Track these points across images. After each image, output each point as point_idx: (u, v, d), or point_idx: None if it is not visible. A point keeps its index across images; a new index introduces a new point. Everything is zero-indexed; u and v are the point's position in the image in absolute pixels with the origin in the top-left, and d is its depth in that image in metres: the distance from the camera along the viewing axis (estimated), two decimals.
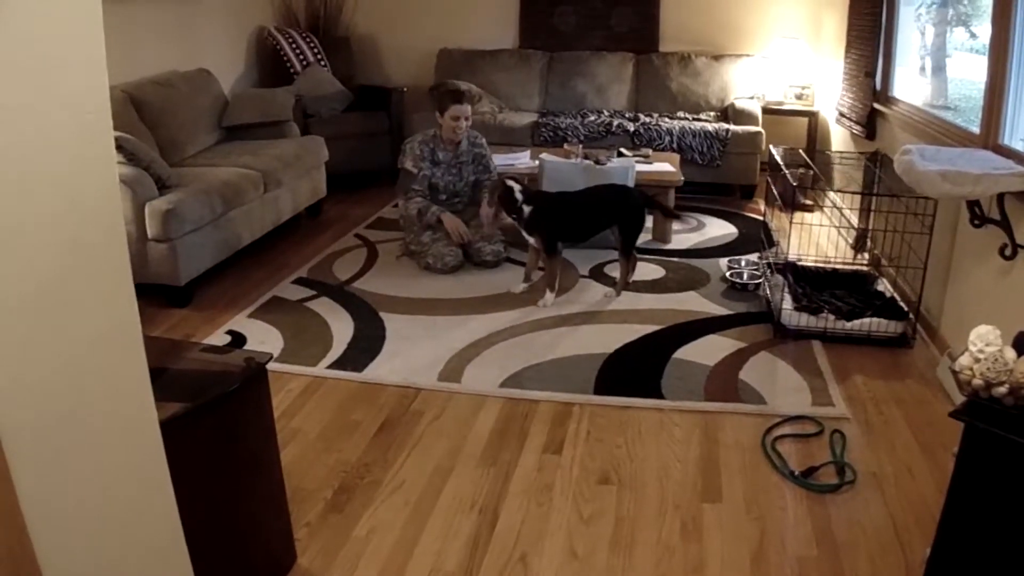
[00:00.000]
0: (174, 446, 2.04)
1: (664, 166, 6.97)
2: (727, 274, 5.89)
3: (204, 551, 2.20)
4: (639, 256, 6.20)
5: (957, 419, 2.23)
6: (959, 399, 2.87)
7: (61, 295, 1.63)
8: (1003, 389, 2.19)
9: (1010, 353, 2.25)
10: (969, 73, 5.97)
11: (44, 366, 1.61)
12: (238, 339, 4.92)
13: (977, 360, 2.22)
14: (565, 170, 6.44)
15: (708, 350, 4.84)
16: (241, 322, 5.15)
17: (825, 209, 7.60)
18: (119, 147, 4.85)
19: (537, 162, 6.64)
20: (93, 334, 1.73)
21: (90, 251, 1.71)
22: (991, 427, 2.16)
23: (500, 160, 6.79)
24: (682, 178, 6.75)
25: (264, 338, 4.90)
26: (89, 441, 1.74)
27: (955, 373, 2.29)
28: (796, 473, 3.63)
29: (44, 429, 1.61)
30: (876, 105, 6.57)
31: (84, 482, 1.74)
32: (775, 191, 6.03)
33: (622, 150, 7.35)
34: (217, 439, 2.60)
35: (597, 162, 6.51)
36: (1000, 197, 3.86)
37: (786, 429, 4.01)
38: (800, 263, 5.62)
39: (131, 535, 1.91)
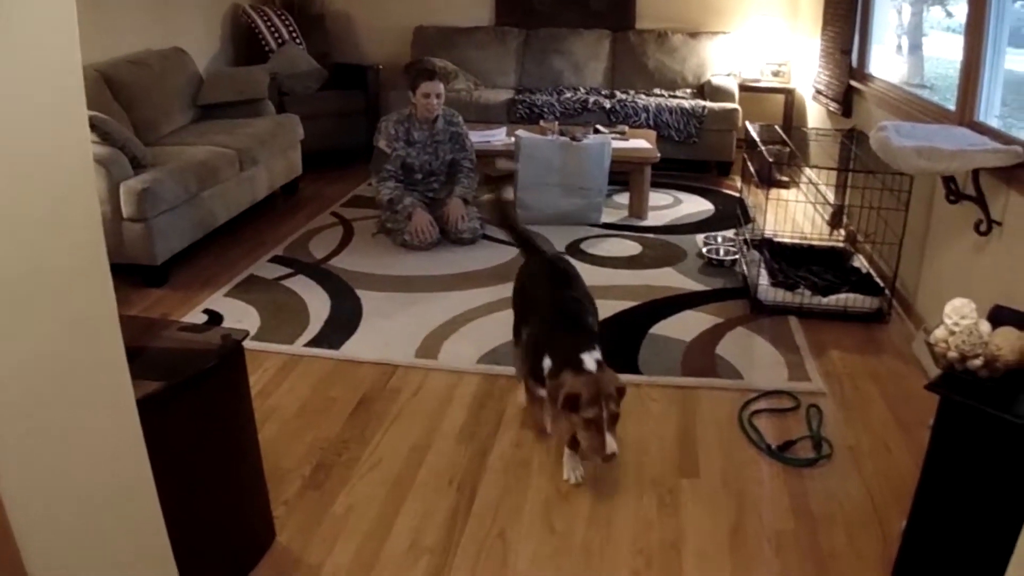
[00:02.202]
0: (151, 425, 2.03)
1: (640, 143, 6.97)
2: (703, 250, 5.91)
3: (183, 530, 2.20)
4: (615, 233, 6.22)
5: (933, 391, 2.24)
6: (935, 373, 2.89)
7: (36, 275, 1.62)
8: (978, 361, 2.20)
9: (985, 326, 2.26)
10: (945, 52, 5.98)
11: (19, 346, 1.60)
12: (215, 318, 4.90)
13: (952, 333, 2.23)
14: (542, 147, 6.44)
15: (685, 326, 4.85)
16: (218, 301, 5.13)
17: (801, 186, 7.61)
18: (93, 127, 4.81)
19: (513, 139, 6.63)
20: (69, 313, 1.72)
21: (65, 230, 1.70)
22: (966, 399, 2.17)
23: (476, 137, 6.77)
24: (658, 155, 6.75)
25: (241, 317, 4.88)
26: (66, 420, 1.73)
27: (930, 346, 2.30)
28: (773, 447, 3.65)
29: (20, 409, 1.60)
30: (852, 82, 6.58)
31: (62, 462, 1.73)
32: (752, 168, 6.04)
33: (598, 127, 7.35)
34: (194, 417, 2.58)
35: (573, 139, 6.51)
36: (975, 173, 3.87)
37: (763, 404, 4.03)
38: (776, 239, 5.63)
39: (110, 514, 1.91)
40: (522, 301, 3.92)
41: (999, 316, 2.36)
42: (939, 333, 2.26)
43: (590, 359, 3.26)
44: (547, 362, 3.34)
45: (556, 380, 3.25)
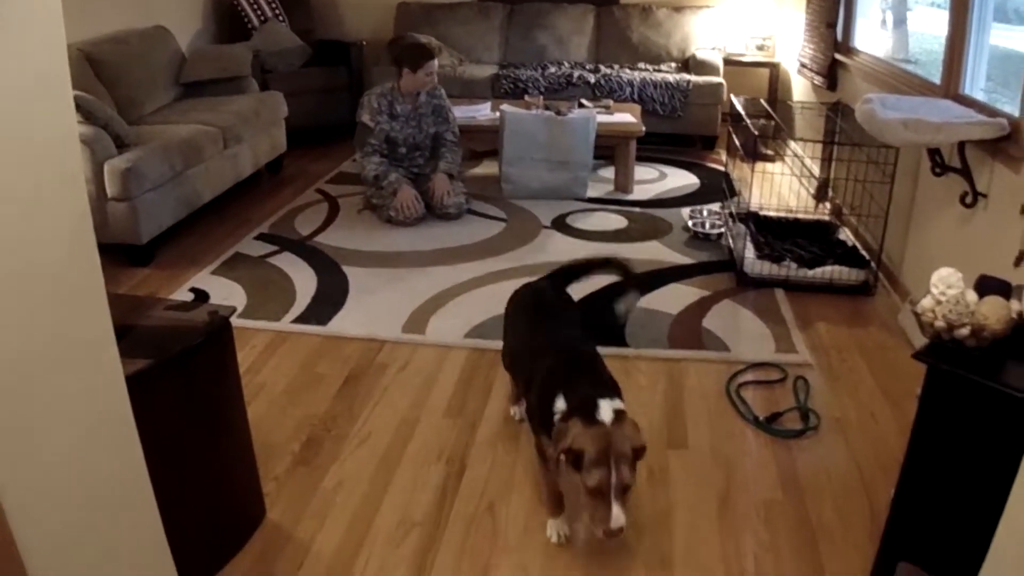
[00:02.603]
0: (140, 402, 2.03)
1: (625, 116, 6.97)
2: (689, 224, 5.91)
3: (173, 507, 2.20)
4: (601, 207, 6.23)
5: (920, 361, 2.25)
6: (921, 345, 2.89)
7: (23, 253, 1.62)
8: (965, 331, 2.21)
9: (971, 296, 2.27)
10: (930, 27, 5.97)
11: (7, 323, 1.59)
12: (201, 296, 4.89)
13: (939, 302, 2.24)
14: (527, 121, 6.44)
15: (671, 298, 4.87)
16: (204, 279, 5.12)
17: (787, 159, 7.62)
18: (76, 106, 4.78)
19: (498, 114, 6.62)
20: (57, 291, 1.72)
21: (51, 207, 1.69)
22: (953, 368, 2.18)
23: (461, 112, 6.76)
24: (643, 129, 6.75)
25: (227, 295, 4.87)
26: (55, 397, 1.73)
27: (917, 315, 2.30)
28: (760, 419, 3.67)
29: (8, 386, 1.60)
30: (837, 56, 6.59)
31: (52, 440, 1.73)
32: (737, 141, 6.04)
33: (583, 101, 7.34)
34: (183, 394, 2.58)
35: (558, 113, 6.51)
36: (961, 145, 3.88)
37: (750, 376, 4.05)
38: (762, 213, 5.64)
39: (101, 492, 1.90)
40: (524, 334, 3.40)
41: (985, 286, 2.37)
42: (926, 303, 2.27)
43: (607, 407, 2.68)
44: (560, 403, 2.77)
45: (561, 426, 2.70)
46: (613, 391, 2.83)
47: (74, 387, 1.79)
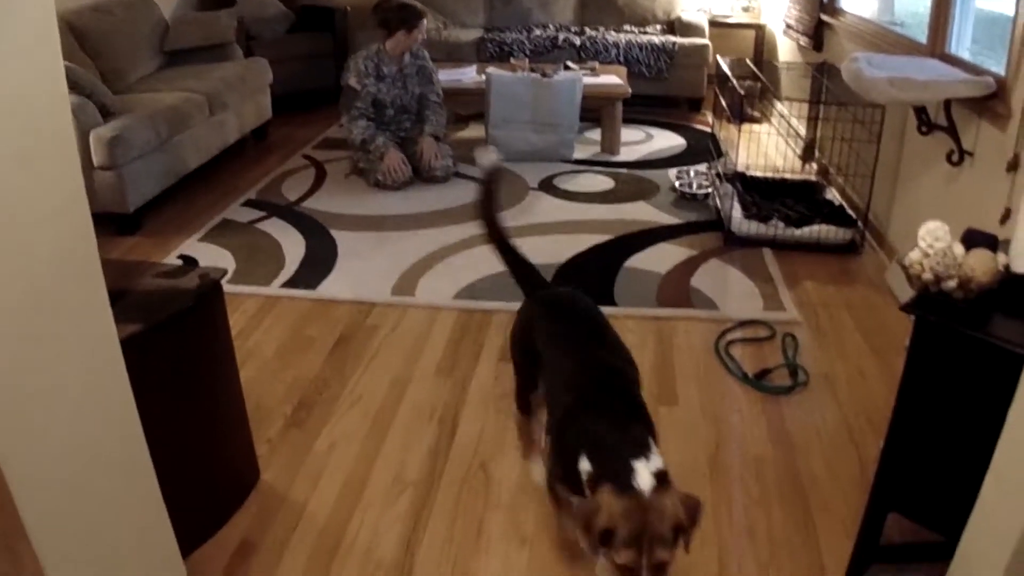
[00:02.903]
0: (133, 366, 2.03)
1: (611, 78, 6.96)
2: (676, 184, 5.92)
3: (169, 470, 2.20)
4: (588, 169, 6.25)
5: (907, 312, 2.27)
6: (908, 298, 2.89)
7: (16, 214, 1.62)
8: (952, 283, 2.22)
9: (959, 248, 2.29)
10: None
11: (2, 285, 1.59)
12: (190, 263, 4.88)
13: (926, 255, 2.25)
14: (512, 84, 6.43)
15: (659, 258, 4.89)
16: (192, 246, 5.11)
17: (773, 120, 7.63)
18: None
19: (483, 77, 6.61)
20: (51, 253, 1.72)
21: (43, 168, 1.69)
22: (940, 320, 2.20)
23: (446, 76, 6.75)
24: (629, 90, 6.74)
25: (216, 261, 4.86)
26: (51, 360, 1.73)
27: (905, 268, 2.32)
28: (750, 376, 3.70)
29: (4, 349, 1.60)
30: (823, 17, 6.58)
31: (49, 402, 1.73)
32: (724, 102, 6.04)
33: (568, 64, 7.32)
34: (176, 357, 2.59)
35: (544, 75, 6.49)
36: (947, 104, 3.89)
37: (738, 333, 4.08)
38: (749, 173, 5.65)
39: (98, 455, 1.91)
40: (531, 361, 2.90)
41: (971, 239, 2.38)
42: (914, 255, 2.28)
43: (644, 471, 2.20)
44: (585, 465, 2.32)
45: (589, 498, 2.22)
46: (648, 432, 2.39)
47: (69, 348, 1.79)
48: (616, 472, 2.21)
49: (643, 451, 2.26)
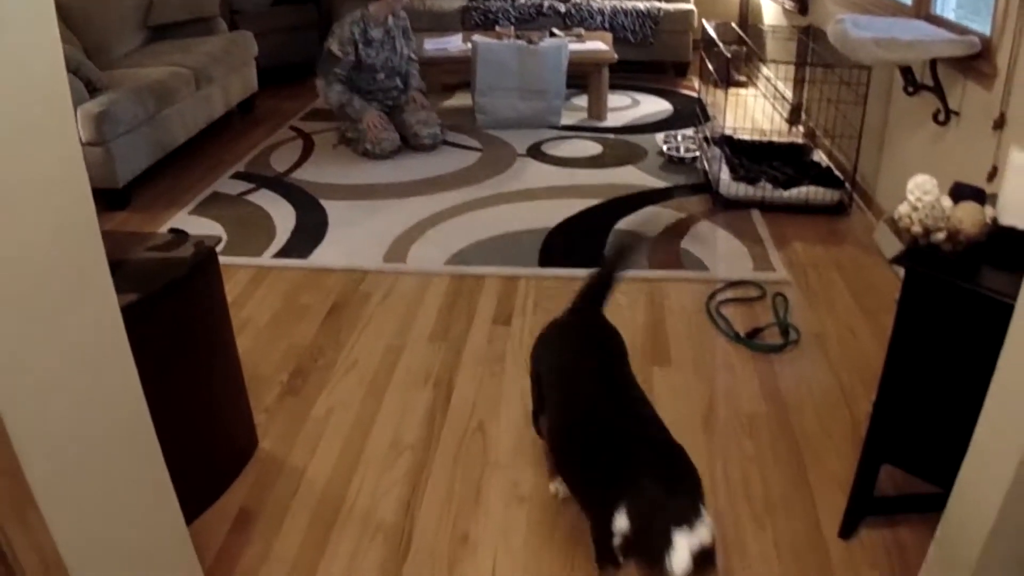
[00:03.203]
0: (131, 335, 2.04)
1: (597, 44, 6.96)
2: (664, 148, 5.95)
3: (168, 439, 2.21)
4: (575, 135, 6.26)
5: (897, 264, 2.30)
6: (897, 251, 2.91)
7: (14, 179, 1.62)
8: (941, 235, 2.25)
9: (947, 202, 2.31)
10: None
11: (7, 250, 1.60)
12: (180, 236, 4.88)
13: (915, 208, 2.28)
14: (498, 51, 6.43)
15: (649, 221, 4.91)
16: (182, 219, 5.11)
17: (759, 84, 7.63)
18: None
19: (469, 45, 6.61)
20: (51, 219, 1.72)
21: (40, 134, 1.70)
22: (930, 271, 2.23)
23: (431, 45, 6.77)
24: (615, 56, 6.74)
25: (207, 233, 4.86)
26: (53, 327, 1.74)
27: (894, 221, 2.34)
28: (742, 335, 3.73)
29: (5, 316, 1.61)
30: None
31: (51, 365, 1.74)
32: (710, 66, 6.05)
33: (554, 30, 7.32)
34: (173, 326, 2.60)
35: (530, 42, 6.49)
36: (933, 64, 3.91)
37: (729, 294, 4.11)
38: (736, 136, 5.67)
39: (101, 422, 1.92)
40: (558, 393, 2.58)
41: (959, 192, 2.41)
42: (902, 208, 2.31)
43: (684, 548, 1.89)
44: (622, 523, 2.04)
45: None
46: (694, 496, 2.08)
47: (70, 315, 1.80)
48: (652, 544, 1.94)
49: (689, 517, 1.94)
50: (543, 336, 2.82)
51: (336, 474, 2.99)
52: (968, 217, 2.25)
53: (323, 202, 5.29)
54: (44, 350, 1.71)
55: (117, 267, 1.97)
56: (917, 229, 2.27)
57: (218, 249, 2.85)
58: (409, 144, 6.13)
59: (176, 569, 2.32)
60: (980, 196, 2.39)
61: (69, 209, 1.79)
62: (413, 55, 6.36)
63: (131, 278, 2.52)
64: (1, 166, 1.58)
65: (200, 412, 2.80)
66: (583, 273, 3.93)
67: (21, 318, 1.64)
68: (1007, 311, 1.86)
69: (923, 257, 2.27)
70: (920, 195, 2.29)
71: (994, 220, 2.30)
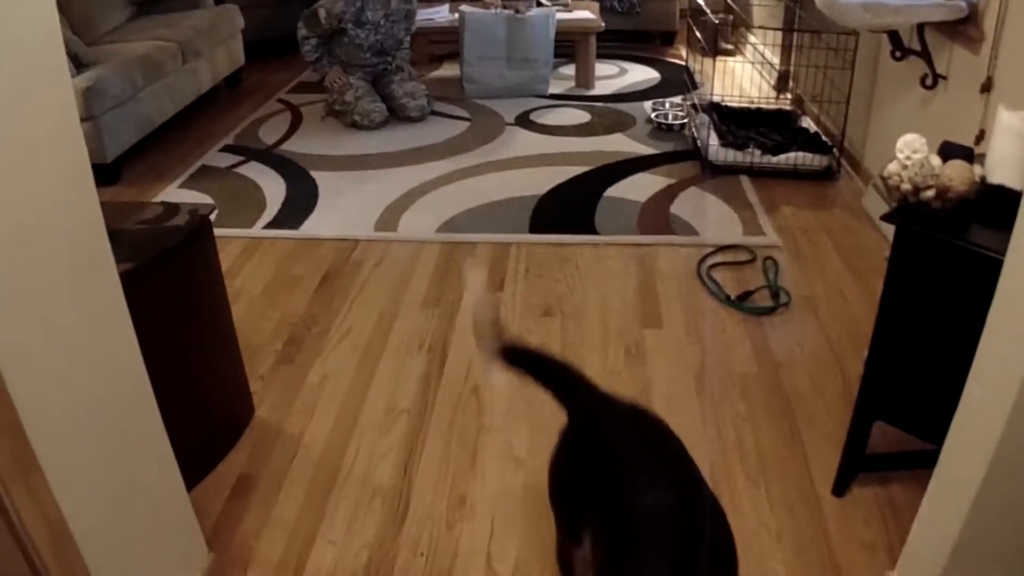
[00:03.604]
0: (129, 302, 2.05)
1: (584, 13, 6.96)
2: (652, 116, 5.97)
3: (166, 407, 2.22)
4: (563, 103, 6.28)
5: (888, 222, 2.32)
6: (885, 226, 2.93)
7: (15, 138, 1.63)
8: (930, 193, 2.27)
9: (936, 160, 2.34)
10: None
11: (5, 212, 1.60)
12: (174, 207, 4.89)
13: (905, 167, 2.30)
14: (486, 21, 6.44)
15: (638, 187, 4.94)
16: (173, 193, 5.10)
17: (747, 53, 7.64)
18: None
19: (456, 15, 6.61)
20: (48, 181, 1.73)
21: (36, 95, 1.71)
22: (920, 228, 2.25)
23: (418, 16, 6.73)
24: (603, 24, 6.75)
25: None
26: (53, 292, 1.74)
27: (884, 179, 2.37)
28: (732, 298, 3.76)
29: (6, 280, 1.61)
30: None
31: (55, 332, 1.75)
32: (698, 34, 6.06)
33: (541, 0, 7.31)
34: (170, 293, 2.61)
35: (517, 12, 6.49)
36: (920, 29, 3.93)
37: (719, 258, 4.13)
38: (724, 103, 5.68)
39: (103, 388, 1.93)
40: (578, 506, 2.05)
41: (948, 151, 2.43)
42: (892, 167, 2.33)
43: None
44: None
45: None
46: None
47: (70, 279, 1.81)
48: None
49: None
50: (569, 455, 2.08)
51: (333, 440, 3.01)
52: (958, 175, 2.27)
53: (313, 173, 5.29)
54: (46, 315, 1.73)
55: (112, 236, 1.97)
56: (907, 187, 2.29)
57: (215, 210, 2.86)
58: (397, 116, 6.12)
59: (178, 534, 2.34)
60: (969, 155, 2.41)
61: (68, 173, 1.80)
62: (406, 42, 6.34)
63: (127, 246, 2.52)
64: (2, 130, 1.59)
65: (197, 379, 2.81)
66: (574, 239, 3.97)
67: (23, 283, 1.65)
68: (996, 267, 1.88)
69: (913, 215, 2.29)
70: (909, 153, 2.31)
71: (982, 179, 2.33)
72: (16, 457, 1.65)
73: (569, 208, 4.67)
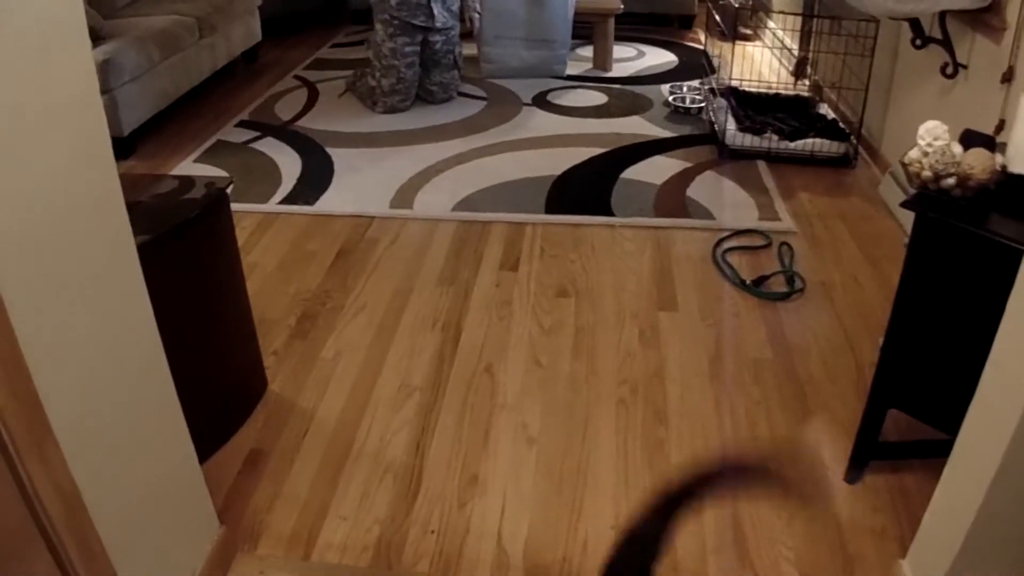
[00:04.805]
0: (145, 274, 2.05)
1: None
2: (670, 99, 5.95)
3: (180, 379, 2.23)
4: (581, 85, 6.26)
5: (907, 209, 2.31)
6: (901, 214, 2.91)
7: (36, 102, 1.63)
8: (951, 181, 2.27)
9: (957, 147, 2.33)
10: None
11: (21, 180, 1.60)
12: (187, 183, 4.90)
13: (926, 153, 2.29)
14: (505, 1, 6.41)
15: (655, 170, 4.93)
16: (188, 167, 5.10)
17: (765, 38, 7.61)
18: None
19: None
20: (67, 149, 1.73)
21: (57, 60, 1.71)
22: (940, 216, 2.25)
23: None
24: (621, 6, 6.72)
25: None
26: (70, 258, 1.75)
27: (905, 166, 2.36)
28: (747, 282, 3.75)
29: (24, 247, 1.61)
30: None
31: (71, 301, 1.75)
32: (717, 18, 6.04)
33: None
34: (185, 266, 2.61)
35: None
36: (942, 16, 3.91)
37: (735, 242, 4.12)
38: (742, 88, 5.67)
39: (117, 358, 1.93)
40: None
41: (970, 139, 2.42)
42: (913, 154, 2.32)
43: None
44: None
45: None
46: None
47: (87, 249, 1.81)
48: None
49: None
50: None
51: (345, 415, 3.01)
52: (979, 163, 2.26)
53: (328, 150, 5.29)
54: (63, 283, 1.73)
55: (129, 208, 1.97)
56: (927, 174, 2.28)
57: (232, 182, 2.86)
58: (418, 96, 6.10)
59: (190, 507, 2.35)
60: (990, 143, 2.40)
61: (88, 140, 1.80)
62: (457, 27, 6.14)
63: (143, 218, 2.52)
64: (21, 95, 1.59)
65: (211, 352, 2.81)
66: (590, 220, 3.97)
67: (40, 251, 1.65)
68: (1016, 256, 1.88)
69: (933, 202, 2.28)
70: (931, 140, 2.30)
71: (1004, 168, 2.32)
72: (31, 427, 1.65)
73: (585, 189, 4.67)
